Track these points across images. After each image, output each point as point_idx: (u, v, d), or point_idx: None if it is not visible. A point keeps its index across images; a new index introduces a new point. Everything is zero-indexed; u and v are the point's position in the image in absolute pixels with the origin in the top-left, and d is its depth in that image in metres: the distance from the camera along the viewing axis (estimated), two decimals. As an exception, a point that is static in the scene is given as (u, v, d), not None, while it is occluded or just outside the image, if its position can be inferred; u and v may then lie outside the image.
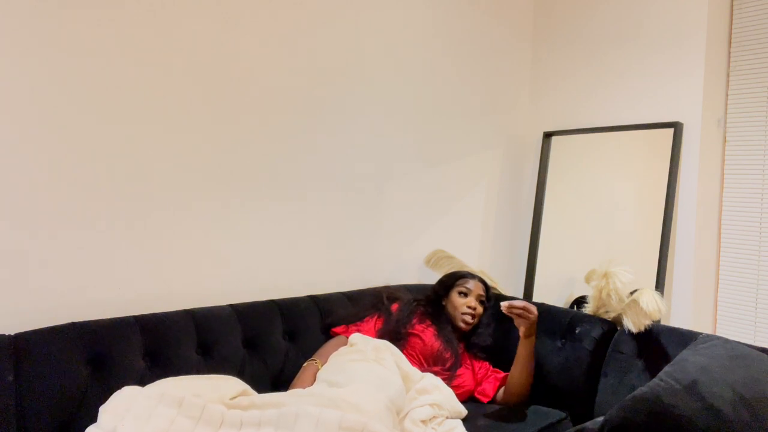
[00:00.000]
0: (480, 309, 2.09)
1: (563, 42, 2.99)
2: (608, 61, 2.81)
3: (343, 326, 2.04)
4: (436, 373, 1.89)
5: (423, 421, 1.66)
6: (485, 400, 1.99)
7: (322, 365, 1.82)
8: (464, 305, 2.06)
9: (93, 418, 1.38)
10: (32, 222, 1.61)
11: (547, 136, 2.99)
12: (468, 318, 2.05)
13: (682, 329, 1.93)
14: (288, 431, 1.36)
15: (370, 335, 1.98)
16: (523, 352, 1.93)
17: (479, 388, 2.01)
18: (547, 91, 3.06)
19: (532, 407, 1.94)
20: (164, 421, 1.34)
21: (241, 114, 2.02)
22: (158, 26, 1.81)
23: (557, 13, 3.02)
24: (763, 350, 1.67)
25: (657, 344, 1.90)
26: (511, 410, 1.91)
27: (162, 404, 1.37)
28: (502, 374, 2.04)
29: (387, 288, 2.23)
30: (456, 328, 2.06)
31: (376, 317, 2.06)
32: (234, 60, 1.99)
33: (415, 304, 2.11)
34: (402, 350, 1.95)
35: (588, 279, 2.57)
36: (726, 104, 2.61)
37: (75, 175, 1.68)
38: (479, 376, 2.03)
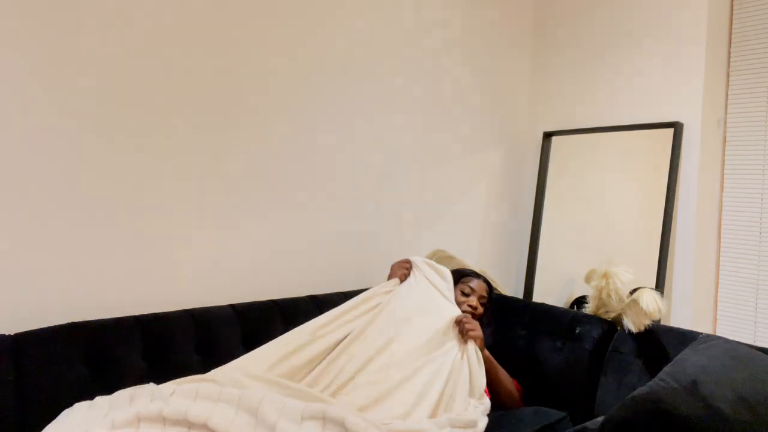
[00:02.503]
0: (480, 309, 2.09)
1: (563, 42, 2.99)
2: (608, 61, 2.81)
3: None
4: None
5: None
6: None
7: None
8: (465, 304, 2.06)
9: (93, 418, 1.38)
10: (33, 222, 1.61)
11: (547, 136, 2.98)
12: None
13: (682, 329, 1.93)
14: (251, 413, 1.36)
15: None
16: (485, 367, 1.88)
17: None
18: (547, 91, 3.06)
19: (532, 407, 1.94)
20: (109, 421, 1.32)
21: (241, 116, 2.02)
22: (156, 32, 1.81)
23: (557, 13, 3.02)
24: (763, 350, 1.67)
25: (657, 344, 1.90)
26: (511, 410, 1.91)
27: (112, 408, 1.37)
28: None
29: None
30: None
31: None
32: (233, 63, 1.99)
33: None
34: None
35: (588, 279, 2.56)
36: (726, 104, 2.61)
37: (76, 177, 1.68)
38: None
